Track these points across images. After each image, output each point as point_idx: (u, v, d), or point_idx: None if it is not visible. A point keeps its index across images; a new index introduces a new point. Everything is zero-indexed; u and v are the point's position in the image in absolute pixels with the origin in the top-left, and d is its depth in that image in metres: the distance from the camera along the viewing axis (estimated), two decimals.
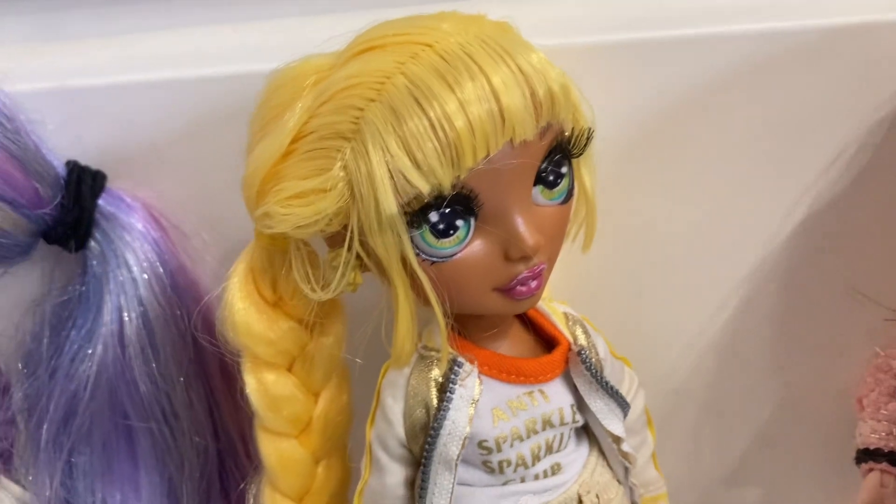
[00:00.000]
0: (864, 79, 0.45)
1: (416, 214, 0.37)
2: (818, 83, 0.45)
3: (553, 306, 0.45)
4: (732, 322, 0.51)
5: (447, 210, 0.38)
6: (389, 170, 0.36)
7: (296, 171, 0.39)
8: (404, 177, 0.36)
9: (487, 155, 0.37)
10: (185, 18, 0.56)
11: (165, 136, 0.53)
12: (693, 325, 0.51)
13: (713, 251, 0.50)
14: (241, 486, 0.54)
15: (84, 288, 0.51)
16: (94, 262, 0.51)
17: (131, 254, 0.51)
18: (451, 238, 0.38)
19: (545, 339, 0.45)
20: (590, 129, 0.40)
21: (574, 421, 0.44)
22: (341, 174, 0.38)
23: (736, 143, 0.47)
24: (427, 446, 0.41)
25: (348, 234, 0.38)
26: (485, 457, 0.42)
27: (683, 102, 0.47)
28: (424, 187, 0.36)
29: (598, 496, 0.45)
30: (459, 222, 0.38)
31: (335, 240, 0.40)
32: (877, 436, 0.47)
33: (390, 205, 0.36)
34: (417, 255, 0.38)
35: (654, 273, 0.51)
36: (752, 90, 0.46)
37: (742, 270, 0.50)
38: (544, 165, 0.39)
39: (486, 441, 0.42)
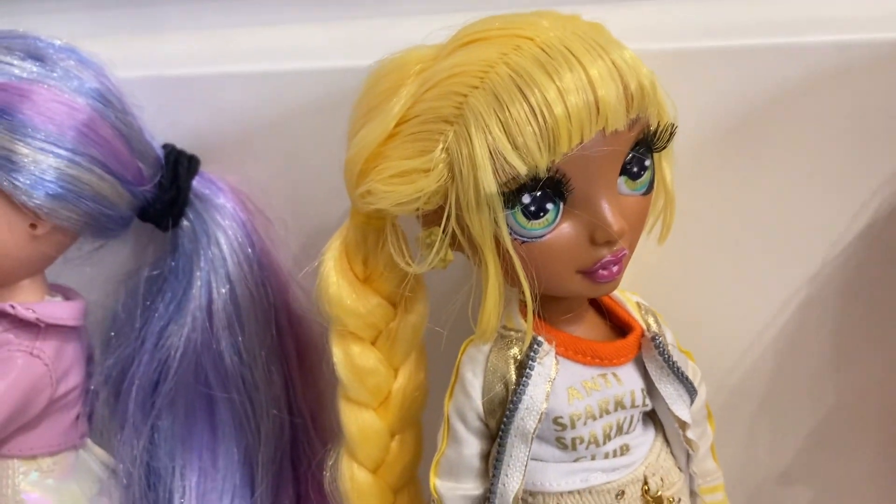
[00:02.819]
0: None
1: (510, 195, 0.40)
2: (889, 94, 0.47)
3: (627, 295, 0.48)
4: (792, 324, 0.53)
5: (539, 193, 0.40)
6: (490, 151, 0.39)
7: (399, 151, 0.42)
8: (504, 158, 0.39)
9: (581, 142, 0.39)
10: (276, 16, 0.59)
11: (254, 125, 0.56)
12: (755, 322, 0.53)
13: (778, 252, 0.51)
14: (311, 462, 0.56)
15: (174, 264, 0.54)
16: (186, 240, 0.54)
17: (222, 233, 0.54)
18: (541, 220, 0.41)
19: (618, 326, 0.47)
20: (673, 124, 0.43)
21: (644, 404, 0.46)
22: (443, 156, 0.40)
23: (807, 148, 0.49)
24: (505, 420, 0.44)
25: (446, 212, 0.41)
26: (559, 433, 0.44)
27: (757, 107, 0.49)
28: (522, 169, 0.39)
29: (662, 479, 0.47)
30: (549, 205, 0.41)
31: (430, 219, 0.43)
32: None
33: (490, 184, 0.39)
34: (509, 234, 0.41)
35: (719, 272, 0.52)
36: (825, 99, 0.48)
37: (806, 272, 0.52)
38: (629, 157, 0.42)
39: (561, 417, 0.44)
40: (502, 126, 0.39)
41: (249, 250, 0.54)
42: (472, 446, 0.45)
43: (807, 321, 0.53)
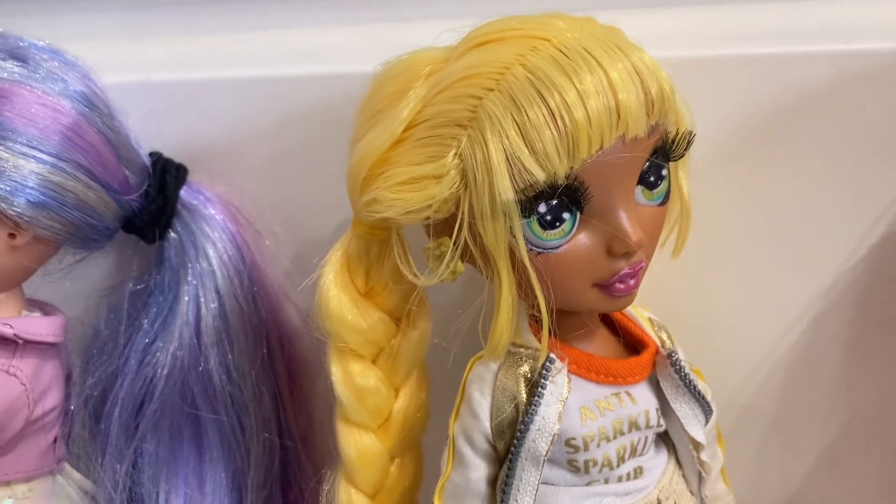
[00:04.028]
0: None
1: (526, 203, 0.38)
2: None
3: (639, 311, 0.46)
4: (804, 339, 0.51)
5: (555, 202, 0.38)
6: (507, 156, 0.37)
7: (407, 157, 0.40)
8: (522, 164, 0.37)
9: (601, 148, 0.37)
10: (269, 19, 0.57)
11: (246, 133, 0.54)
12: (765, 340, 0.51)
13: (789, 267, 0.50)
14: (302, 488, 0.54)
15: (160, 277, 0.52)
16: (172, 253, 0.52)
17: (211, 246, 0.51)
18: (557, 230, 0.39)
19: (630, 343, 0.45)
20: (691, 132, 0.41)
21: (658, 425, 0.44)
22: (455, 161, 0.38)
23: (823, 159, 0.48)
24: (515, 441, 0.41)
25: (458, 221, 0.39)
26: (571, 455, 0.42)
27: (772, 117, 0.48)
28: (540, 175, 0.37)
29: (675, 503, 0.45)
30: (566, 215, 0.39)
31: (440, 228, 0.41)
32: None
33: (506, 190, 0.37)
34: (524, 244, 0.39)
35: (729, 285, 0.51)
36: (842, 108, 0.47)
37: (817, 288, 0.50)
38: (647, 166, 0.40)
39: (573, 439, 0.42)
40: (520, 130, 0.37)
41: (240, 264, 0.52)
42: (479, 470, 0.43)
43: (819, 337, 0.51)
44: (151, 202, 0.50)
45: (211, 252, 0.51)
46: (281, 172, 0.54)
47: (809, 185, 0.49)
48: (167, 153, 0.53)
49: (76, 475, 0.52)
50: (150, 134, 0.52)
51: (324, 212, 0.53)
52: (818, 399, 0.52)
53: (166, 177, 0.51)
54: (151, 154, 0.52)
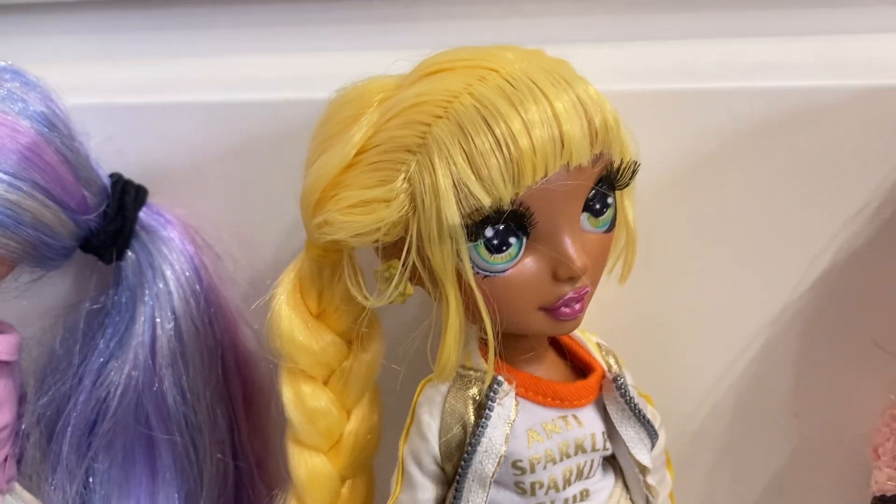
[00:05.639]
0: (889, 137, 0.47)
1: (473, 227, 0.39)
2: (846, 139, 0.48)
3: (587, 336, 0.47)
4: (752, 367, 0.52)
5: (502, 227, 0.39)
6: (454, 182, 0.38)
7: (359, 181, 0.40)
8: (468, 189, 0.38)
9: (545, 175, 0.38)
10: (229, 45, 0.58)
11: (205, 157, 0.55)
12: (714, 368, 0.52)
13: (737, 296, 0.51)
14: None
15: (117, 297, 0.52)
16: (130, 273, 0.52)
17: (168, 267, 0.52)
18: (504, 254, 0.40)
19: (578, 367, 0.46)
20: (636, 162, 0.42)
21: (604, 448, 0.45)
22: (404, 186, 0.39)
23: (765, 193, 0.49)
24: (463, 463, 0.42)
25: (406, 244, 0.40)
26: (518, 477, 0.43)
27: (714, 150, 0.49)
28: (486, 200, 0.38)
29: None
30: (512, 240, 0.40)
31: (389, 251, 0.41)
32: (893, 483, 0.48)
33: (453, 215, 0.38)
34: (471, 267, 0.39)
35: (677, 315, 0.52)
36: (785, 143, 0.48)
37: (764, 317, 0.51)
38: (592, 193, 0.41)
39: (520, 461, 0.43)
40: (466, 157, 0.38)
41: (197, 286, 0.52)
42: (427, 492, 0.43)
43: (766, 365, 0.52)
44: (110, 222, 0.51)
45: (168, 273, 0.52)
46: (240, 196, 0.55)
47: (755, 217, 0.50)
48: (128, 175, 0.54)
49: (26, 495, 0.52)
50: (111, 156, 0.53)
51: (282, 235, 0.54)
52: (767, 426, 0.53)
53: (125, 197, 0.52)
54: (111, 175, 0.53)
